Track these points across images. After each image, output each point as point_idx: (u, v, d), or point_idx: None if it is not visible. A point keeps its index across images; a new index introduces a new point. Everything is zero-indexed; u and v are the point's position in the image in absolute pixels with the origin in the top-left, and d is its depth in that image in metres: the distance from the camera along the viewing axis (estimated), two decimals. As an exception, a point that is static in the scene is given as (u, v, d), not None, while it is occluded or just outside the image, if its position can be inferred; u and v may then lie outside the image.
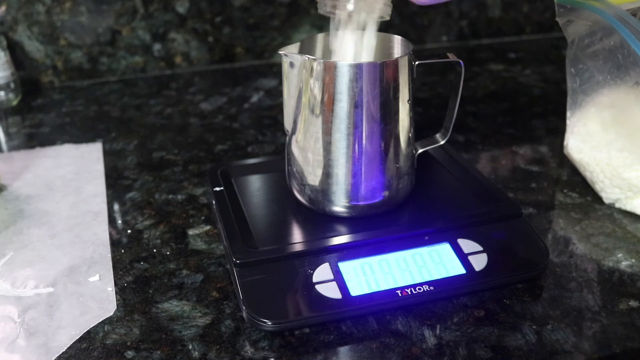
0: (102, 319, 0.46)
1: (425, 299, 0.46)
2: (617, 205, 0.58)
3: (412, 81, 0.51)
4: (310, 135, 0.51)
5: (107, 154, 0.71)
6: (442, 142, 0.57)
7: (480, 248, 0.49)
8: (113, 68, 0.94)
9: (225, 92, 0.89)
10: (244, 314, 0.45)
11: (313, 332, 0.44)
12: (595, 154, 0.59)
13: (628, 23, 0.50)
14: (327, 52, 0.55)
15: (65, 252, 0.54)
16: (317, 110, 0.49)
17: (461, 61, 0.53)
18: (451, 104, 0.55)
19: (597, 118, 0.61)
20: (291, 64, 0.49)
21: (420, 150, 0.56)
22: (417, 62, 0.51)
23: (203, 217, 0.58)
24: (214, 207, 0.55)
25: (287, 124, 0.53)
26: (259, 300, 0.44)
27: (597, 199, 0.60)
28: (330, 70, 0.48)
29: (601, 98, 0.60)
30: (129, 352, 0.43)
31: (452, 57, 0.52)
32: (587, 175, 0.61)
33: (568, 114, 0.65)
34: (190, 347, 0.44)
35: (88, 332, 0.45)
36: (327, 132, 0.50)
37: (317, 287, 0.45)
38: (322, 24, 0.99)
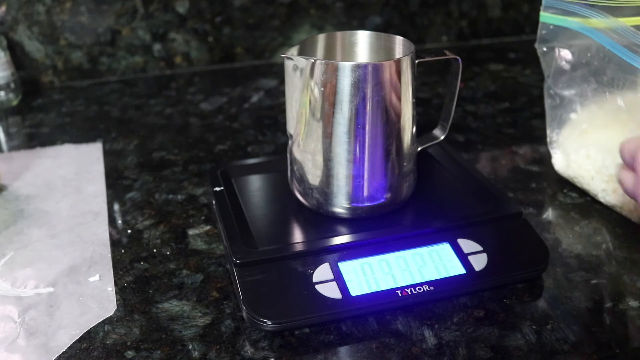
0: (102, 319, 0.46)
1: (425, 299, 0.46)
2: (623, 213, 0.57)
3: (414, 81, 0.51)
4: (312, 136, 0.51)
5: (107, 154, 0.71)
6: (442, 138, 0.57)
7: (480, 248, 0.49)
8: (113, 68, 0.94)
9: (225, 92, 0.89)
10: (244, 314, 0.45)
11: (313, 332, 0.44)
12: (590, 165, 0.58)
13: (612, 31, 0.50)
14: (328, 52, 0.55)
15: (65, 252, 0.54)
16: (320, 112, 0.49)
17: (458, 58, 0.53)
18: (448, 98, 0.55)
19: (587, 125, 0.60)
20: (293, 66, 0.49)
21: (420, 148, 0.56)
22: (415, 61, 0.51)
23: (203, 217, 0.58)
24: (214, 207, 0.55)
25: (290, 126, 0.53)
26: (259, 300, 0.44)
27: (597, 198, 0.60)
28: (332, 71, 0.47)
29: (587, 106, 0.59)
30: (129, 352, 0.43)
31: (449, 54, 0.53)
32: (585, 187, 0.60)
33: (548, 131, 0.64)
34: (190, 347, 0.44)
35: (88, 332, 0.45)
36: (330, 133, 0.50)
37: (317, 287, 0.45)
38: (322, 24, 0.99)
